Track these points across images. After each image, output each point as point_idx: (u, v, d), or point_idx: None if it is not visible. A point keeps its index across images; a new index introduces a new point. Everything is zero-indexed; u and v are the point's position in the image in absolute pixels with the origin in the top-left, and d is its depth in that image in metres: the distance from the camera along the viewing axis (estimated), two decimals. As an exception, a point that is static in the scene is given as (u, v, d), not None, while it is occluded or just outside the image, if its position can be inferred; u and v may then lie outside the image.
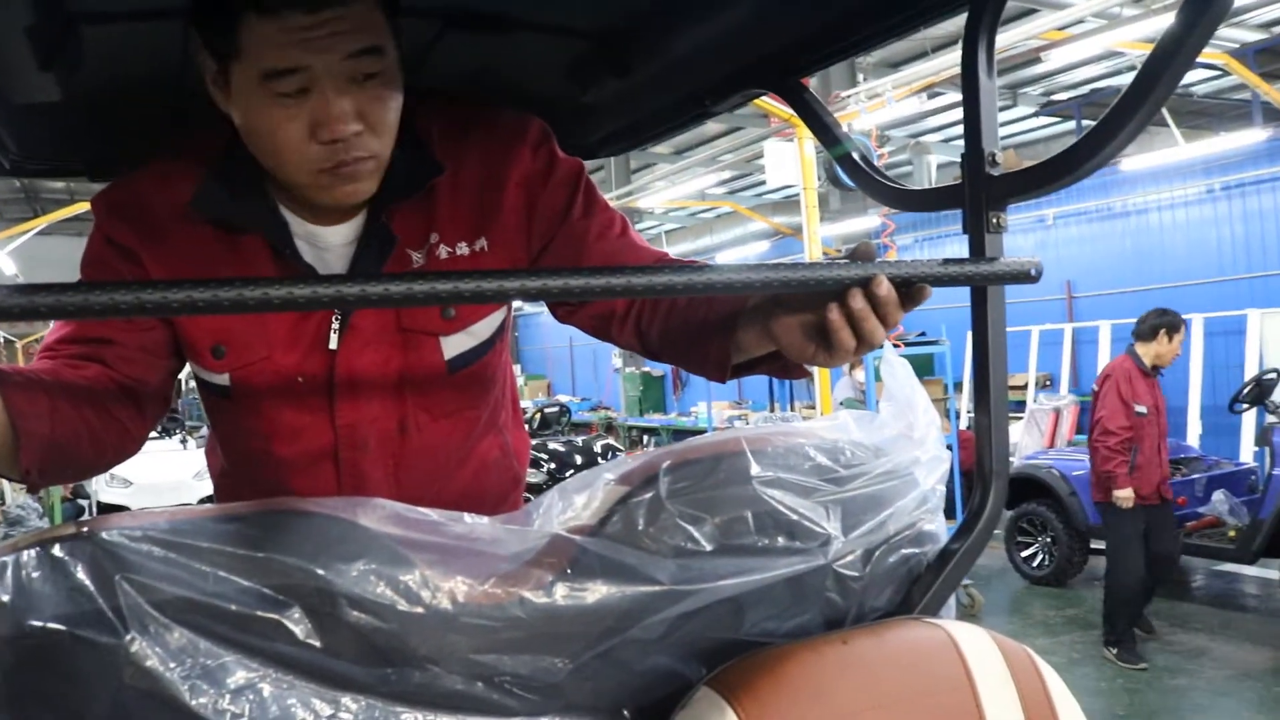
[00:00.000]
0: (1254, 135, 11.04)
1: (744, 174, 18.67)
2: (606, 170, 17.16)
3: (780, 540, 1.12)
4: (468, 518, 1.09)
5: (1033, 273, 1.14)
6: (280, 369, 1.40)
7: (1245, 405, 8.03)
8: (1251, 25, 13.42)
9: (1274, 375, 8.07)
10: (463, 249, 1.42)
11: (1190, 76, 15.01)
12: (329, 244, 1.40)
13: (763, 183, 19.79)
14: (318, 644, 0.98)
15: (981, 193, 1.28)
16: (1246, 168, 11.76)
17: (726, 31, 1.62)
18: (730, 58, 1.73)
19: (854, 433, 1.23)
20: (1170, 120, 11.17)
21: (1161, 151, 11.53)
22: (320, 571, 0.99)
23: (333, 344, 1.39)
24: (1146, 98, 1.10)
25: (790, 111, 6.67)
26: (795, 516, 1.13)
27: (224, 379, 1.41)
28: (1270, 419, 7.72)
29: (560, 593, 1.05)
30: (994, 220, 1.27)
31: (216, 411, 1.51)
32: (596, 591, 1.06)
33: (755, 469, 1.13)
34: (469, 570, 1.05)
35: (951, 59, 8.84)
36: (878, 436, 1.23)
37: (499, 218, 1.44)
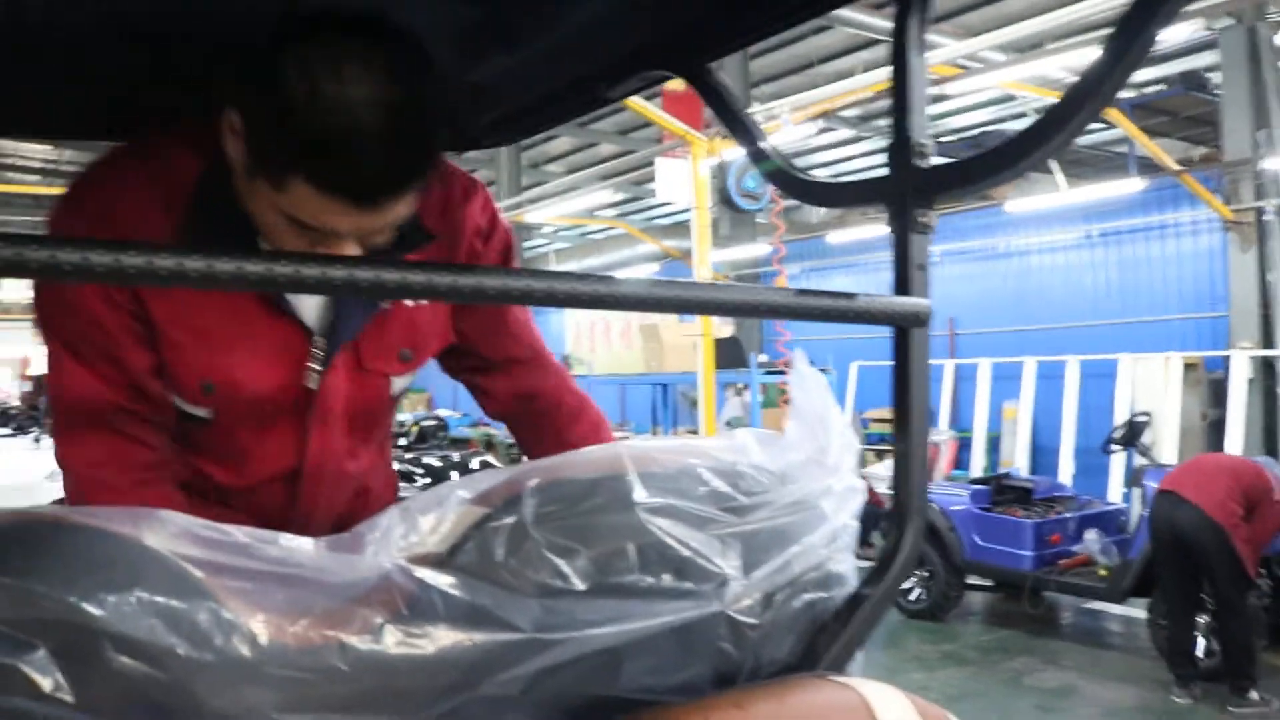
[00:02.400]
0: (1131, 185, 11.38)
1: (635, 196, 18.62)
2: (497, 181, 16.91)
3: (668, 580, 0.93)
4: (284, 539, 0.88)
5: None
6: (260, 401, 1.45)
7: (1117, 446, 8.17)
8: (1129, 84, 13.89)
9: (1145, 418, 8.24)
10: (408, 301, 1.50)
11: (1072, 126, 15.46)
12: None
13: (654, 205, 19.77)
14: (69, 698, 0.75)
15: (908, 186, 1.12)
16: (1122, 216, 12.11)
17: (625, 3, 1.44)
18: (629, 35, 1.56)
19: (755, 454, 1.05)
20: (1055, 165, 11.45)
21: (1044, 195, 11.80)
22: (78, 602, 0.76)
23: (312, 383, 1.46)
24: (1095, 93, 0.97)
25: (684, 128, 6.55)
26: (687, 552, 0.94)
27: (206, 412, 1.45)
28: (1141, 461, 7.86)
29: (392, 638, 0.84)
30: (920, 220, 1.12)
31: (179, 430, 1.48)
32: (440, 637, 0.85)
33: (640, 493, 0.94)
34: (278, 606, 0.83)
35: (843, 85, 8.88)
36: (783, 460, 1.06)
37: None
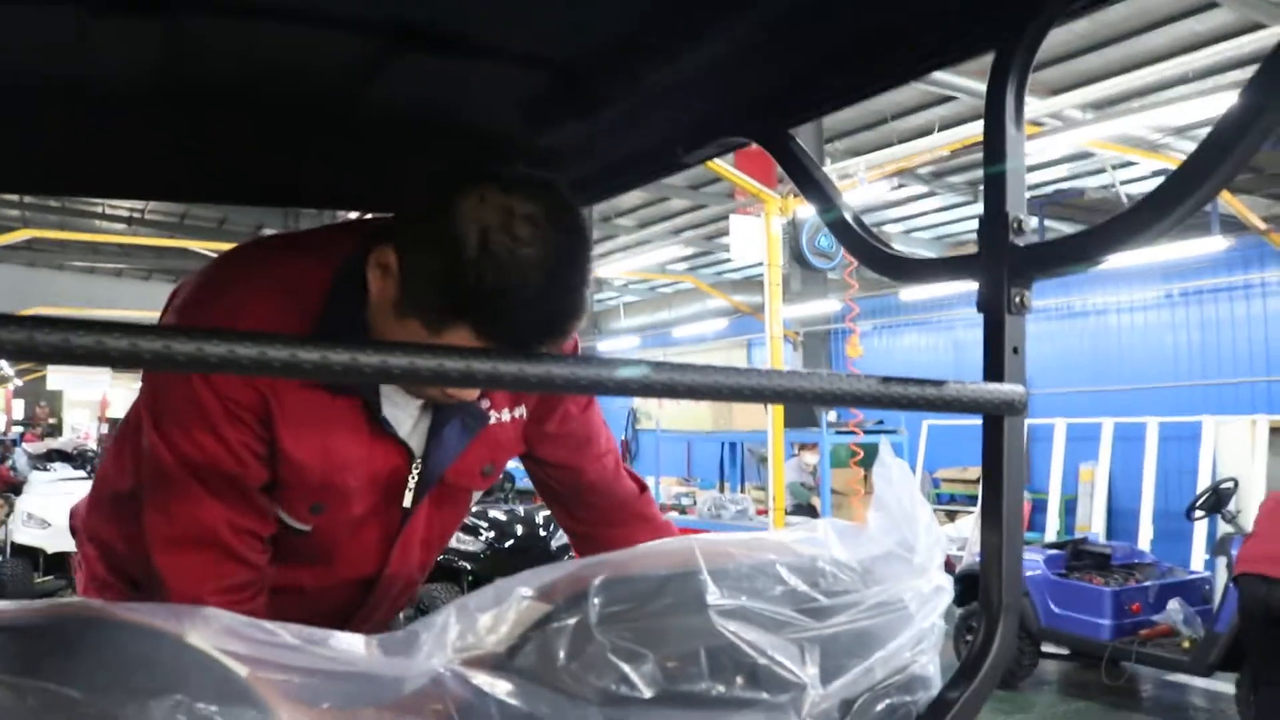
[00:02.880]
0: (1214, 244, 11.10)
1: (705, 250, 18.60)
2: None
3: (741, 688, 0.86)
4: (335, 637, 0.83)
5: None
6: (359, 517, 1.49)
7: (1202, 513, 7.89)
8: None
9: (1231, 484, 7.96)
10: (506, 415, 1.57)
11: (1147, 185, 15.21)
12: (406, 403, 1.45)
13: (724, 260, 19.74)
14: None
15: (1004, 264, 1.05)
16: (1205, 275, 11.81)
17: (706, 69, 1.40)
18: (709, 100, 1.52)
19: (836, 549, 0.98)
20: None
21: (1124, 254, 11.53)
22: (114, 707, 0.72)
23: (407, 502, 1.51)
24: (1212, 172, 0.89)
25: (757, 185, 6.53)
26: (763, 659, 0.87)
27: (307, 527, 1.48)
28: (1226, 528, 7.58)
29: (446, 751, 0.79)
30: (1017, 299, 1.05)
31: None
32: (495, 750, 0.79)
33: (713, 593, 0.88)
34: (324, 710, 0.78)
35: (921, 144, 8.79)
36: (865, 556, 0.99)
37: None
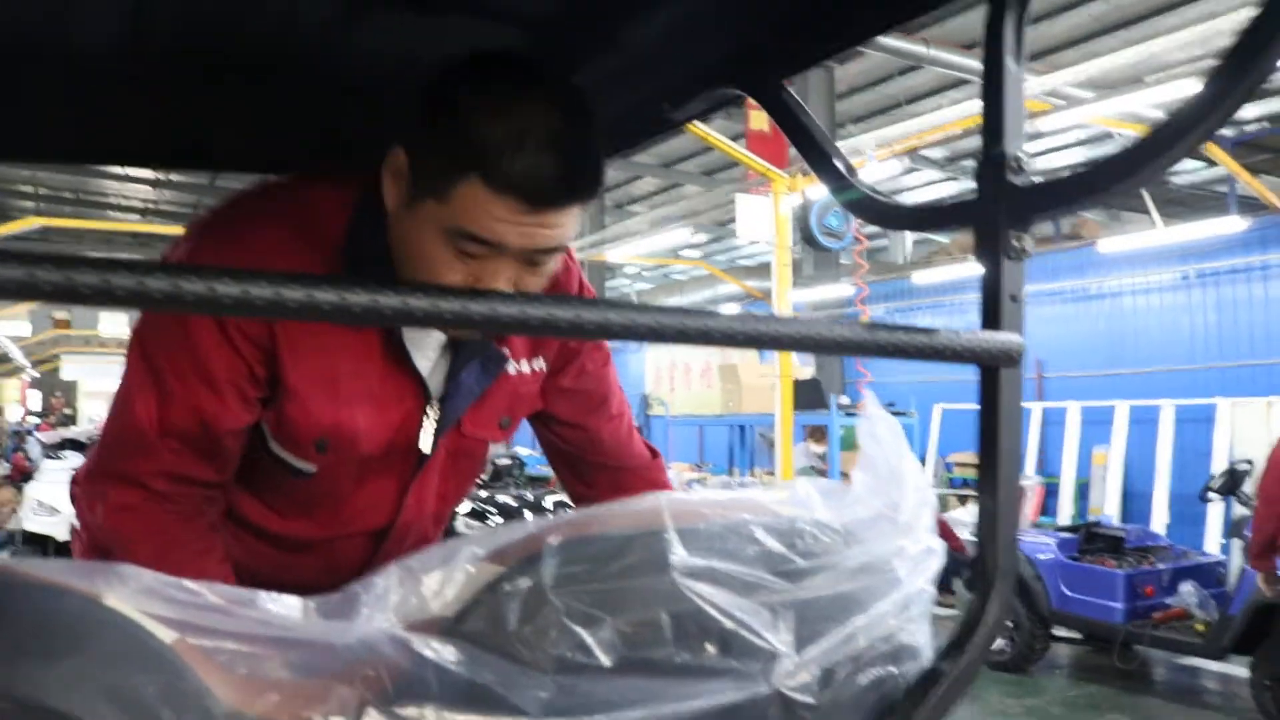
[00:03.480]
0: (1231, 224, 10.97)
1: (718, 236, 18.54)
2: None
3: (708, 656, 0.80)
4: (266, 599, 0.77)
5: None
6: (370, 458, 1.43)
7: (1216, 495, 7.80)
8: (1232, 121, 13.50)
9: (1247, 466, 7.86)
10: (525, 366, 1.53)
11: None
12: (426, 341, 1.41)
13: (737, 246, 19.67)
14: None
15: (1000, 206, 0.98)
16: (1221, 256, 11.67)
17: (690, 19, 1.34)
18: (695, 52, 1.45)
19: (818, 509, 0.91)
20: (1151, 204, 11.10)
21: (1139, 234, 11.44)
22: (18, 673, 0.66)
23: (425, 446, 1.45)
24: (1205, 115, 0.83)
25: (764, 164, 6.44)
26: (730, 623, 0.80)
27: (312, 466, 1.41)
28: (1241, 510, 7.49)
29: (374, 720, 0.72)
30: (1015, 243, 0.98)
31: (268, 479, 1.45)
32: (431, 720, 0.73)
33: (679, 554, 0.81)
34: (248, 678, 0.71)
35: (930, 119, 8.68)
36: (849, 516, 0.92)
37: (548, 342, 1.55)
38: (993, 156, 1.00)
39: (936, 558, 0.96)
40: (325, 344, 1.32)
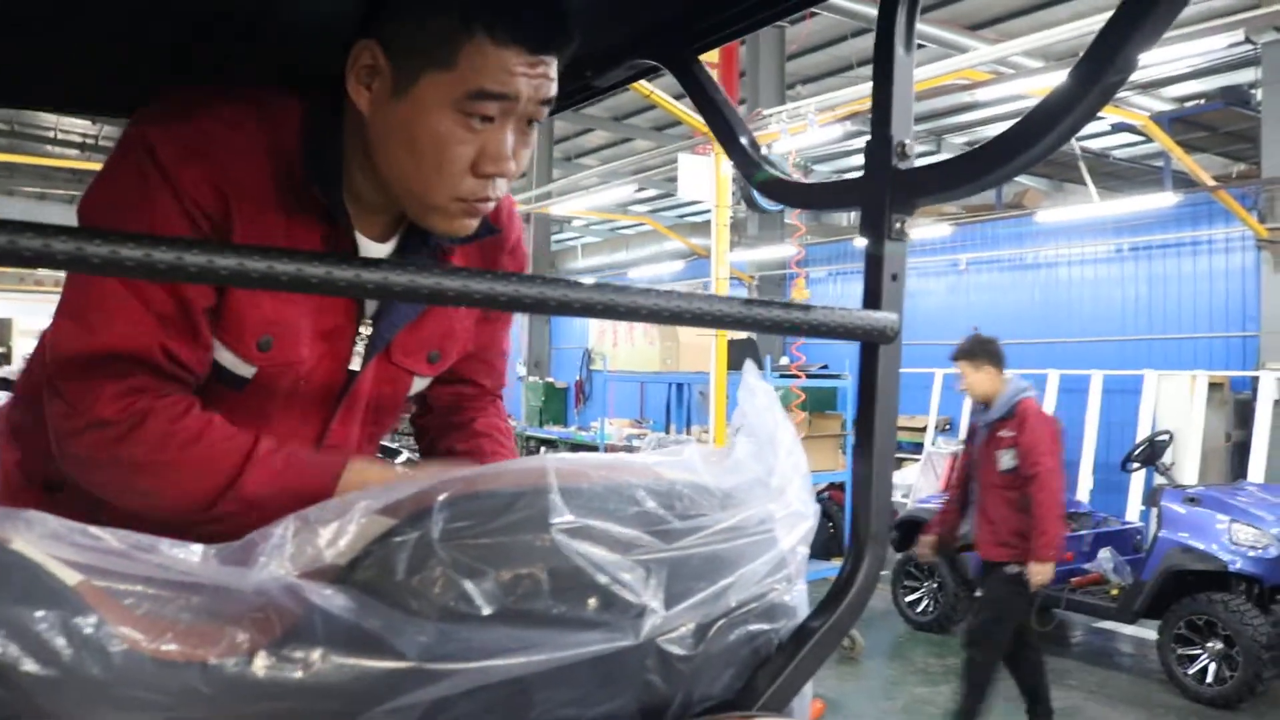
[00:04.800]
0: (1164, 199, 11.19)
1: (667, 193, 18.52)
2: (527, 172, 16.83)
3: (582, 609, 0.85)
4: (166, 545, 0.81)
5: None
6: (302, 375, 1.39)
7: (1137, 465, 8.03)
8: (1166, 98, 13.73)
9: (1166, 437, 8.09)
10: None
11: (1108, 140, 15.31)
12: (371, 246, 1.40)
13: (685, 203, 19.67)
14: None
15: (885, 189, 1.03)
16: (1154, 231, 11.91)
17: None
18: (615, 22, 1.49)
19: (701, 473, 0.97)
20: (1088, 177, 11.28)
21: (1076, 207, 11.63)
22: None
23: (355, 365, 1.42)
24: (1084, 94, 0.88)
25: (698, 118, 6.43)
26: (603, 579, 0.86)
27: (249, 372, 1.36)
28: (1160, 480, 7.72)
29: (263, 661, 0.76)
30: (897, 225, 1.03)
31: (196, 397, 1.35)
32: (317, 662, 0.77)
33: (559, 512, 0.86)
34: (145, 620, 0.75)
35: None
36: (729, 481, 0.97)
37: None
38: (880, 140, 1.05)
39: (807, 521, 1.01)
40: (271, 233, 1.28)
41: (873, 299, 1.04)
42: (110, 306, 1.20)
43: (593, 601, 0.85)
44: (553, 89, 1.22)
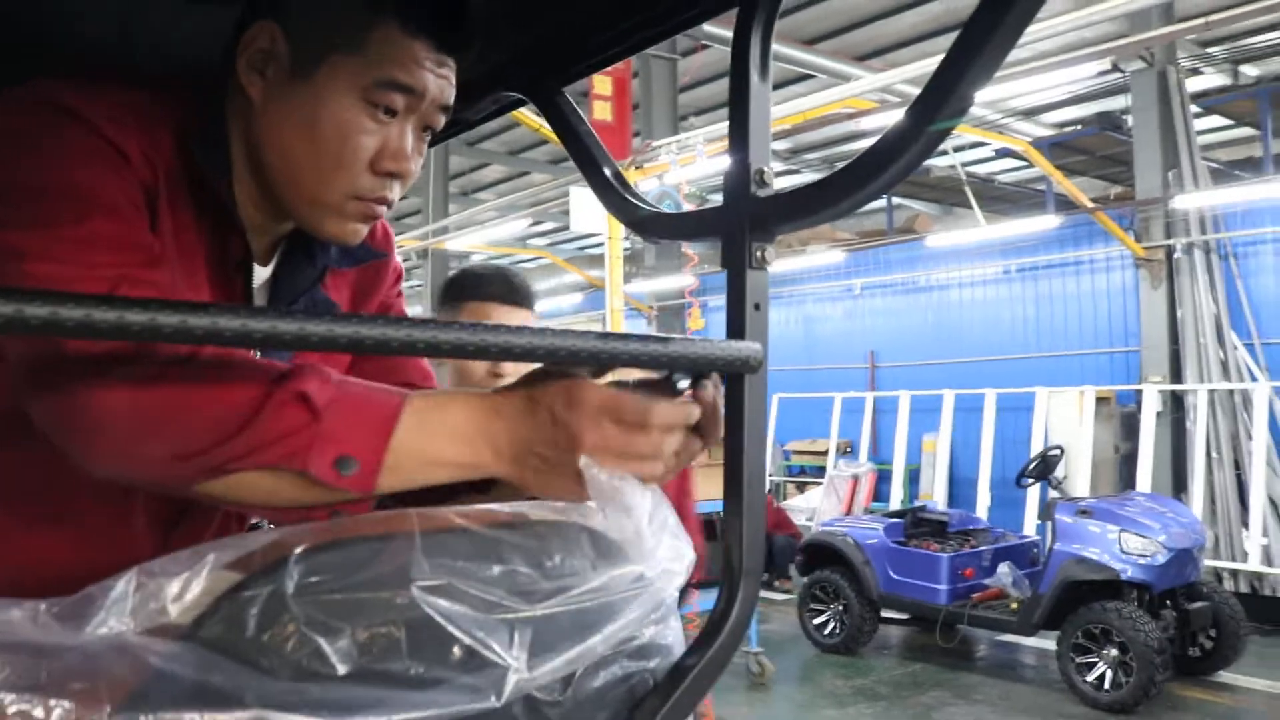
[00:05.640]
0: (1047, 221, 11.56)
1: (564, 225, 18.56)
2: (422, 209, 16.71)
3: (440, 669, 0.82)
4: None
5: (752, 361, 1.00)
6: None
7: (1031, 480, 8.23)
8: (1045, 123, 14.21)
9: (1058, 451, 8.31)
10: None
11: (993, 165, 15.77)
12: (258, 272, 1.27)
13: (583, 236, 19.72)
14: None
15: (744, 218, 1.03)
16: (1039, 252, 12.29)
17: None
18: (480, 56, 1.47)
19: (562, 517, 0.94)
20: (974, 201, 11.59)
21: (964, 230, 11.95)
22: None
23: None
24: (934, 116, 0.89)
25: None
26: (467, 640, 0.83)
27: None
28: (1053, 494, 7.92)
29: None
30: (758, 254, 1.03)
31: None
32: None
33: (421, 567, 0.83)
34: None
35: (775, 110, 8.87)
36: (597, 526, 0.95)
37: (374, 294, 1.43)
38: (739, 168, 1.05)
39: (679, 576, 0.99)
40: (187, 232, 1.14)
41: (736, 329, 1.03)
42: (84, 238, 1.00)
43: (452, 662, 0.81)
44: (452, 95, 1.17)
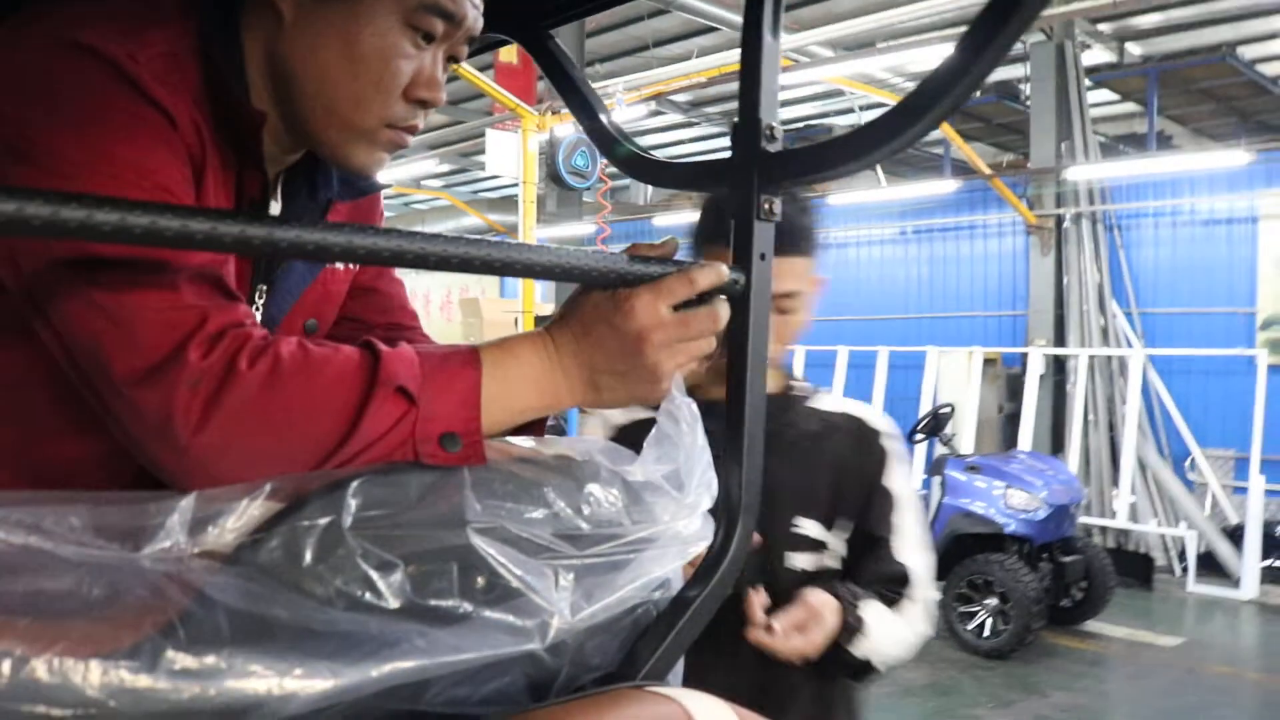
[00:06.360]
0: (945, 185, 11.84)
1: (462, 168, 18.29)
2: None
3: (489, 611, 0.85)
4: (47, 515, 0.75)
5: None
6: None
7: (922, 436, 8.48)
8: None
9: (949, 409, 8.58)
10: (339, 263, 1.33)
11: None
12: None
13: (481, 178, 19.48)
14: None
15: (754, 171, 1.06)
16: (936, 215, 12.59)
17: None
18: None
19: (603, 467, 0.98)
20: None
21: (865, 191, 12.16)
22: None
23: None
24: (952, 88, 0.93)
25: (515, 101, 6.41)
26: (515, 583, 0.86)
27: None
28: (942, 450, 8.19)
29: (160, 654, 0.73)
30: (766, 206, 1.07)
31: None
32: (219, 651, 0.74)
33: (474, 508, 0.86)
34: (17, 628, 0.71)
35: (680, 68, 8.89)
36: (635, 477, 0.99)
37: None
38: (749, 123, 1.08)
39: (705, 539, 1.04)
40: (218, 185, 1.08)
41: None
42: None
43: (501, 605, 0.85)
44: (480, 26, 1.14)
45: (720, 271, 1.04)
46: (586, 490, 0.94)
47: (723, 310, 1.05)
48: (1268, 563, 9.15)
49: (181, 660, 0.74)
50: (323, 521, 0.81)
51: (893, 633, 1.75)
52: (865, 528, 1.85)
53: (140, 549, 0.77)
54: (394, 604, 0.81)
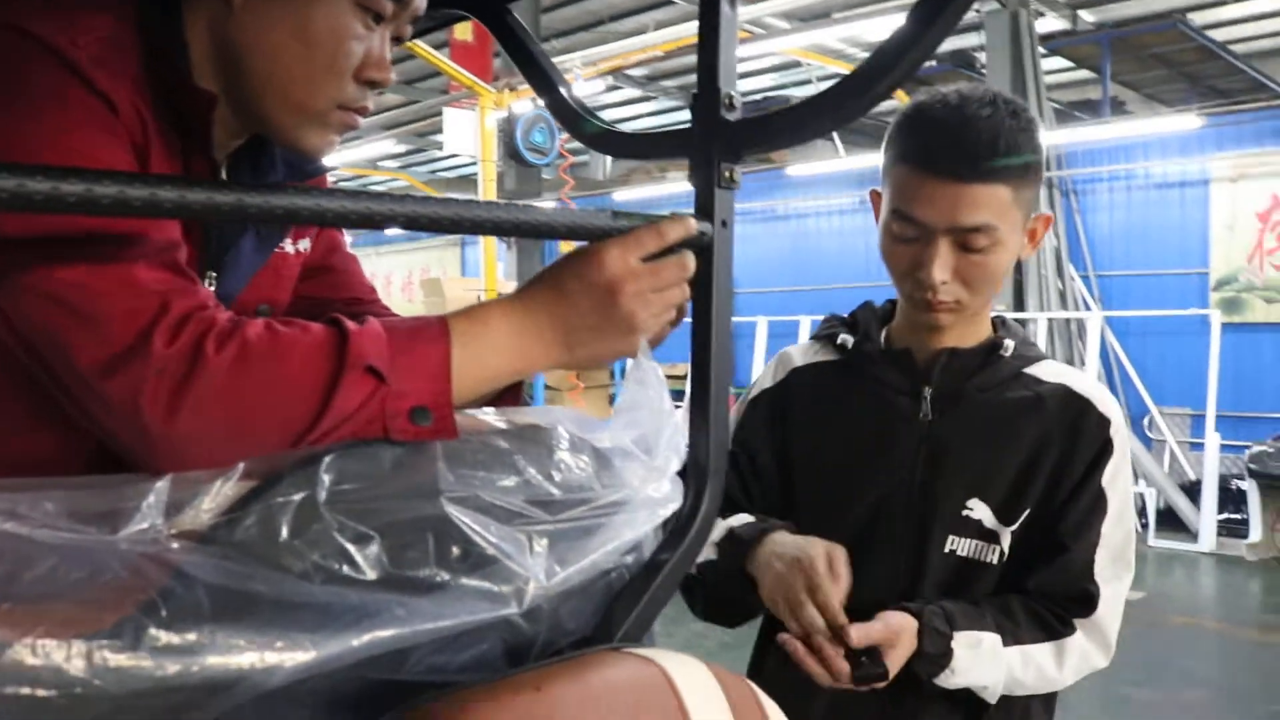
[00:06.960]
0: (902, 153, 11.89)
1: (419, 148, 18.17)
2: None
3: (466, 578, 0.86)
4: (21, 499, 0.76)
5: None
6: None
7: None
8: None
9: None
10: (290, 246, 1.33)
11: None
12: None
13: (439, 158, 19.37)
14: None
15: (714, 140, 1.08)
16: (893, 183, 12.64)
17: None
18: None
19: (572, 434, 0.99)
20: (834, 132, 11.84)
21: (823, 161, 12.22)
22: None
23: None
24: (904, 56, 0.95)
25: (471, 77, 6.38)
26: (490, 550, 0.87)
27: None
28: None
29: (140, 631, 0.74)
30: (726, 173, 1.08)
31: None
32: (199, 627, 0.76)
33: (447, 478, 0.87)
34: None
35: (636, 41, 8.88)
36: (604, 443, 1.00)
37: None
38: (708, 93, 1.09)
39: (675, 501, 1.05)
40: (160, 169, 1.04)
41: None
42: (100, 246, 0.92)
43: (478, 572, 0.86)
44: (424, 6, 1.15)
45: (688, 224, 1.06)
46: (557, 457, 0.96)
47: (690, 260, 1.06)
48: (1223, 516, 9.33)
49: (164, 637, 0.75)
50: (297, 497, 0.82)
51: (1014, 670, 1.49)
52: (1058, 530, 1.54)
53: (117, 532, 0.77)
54: (372, 575, 0.82)
